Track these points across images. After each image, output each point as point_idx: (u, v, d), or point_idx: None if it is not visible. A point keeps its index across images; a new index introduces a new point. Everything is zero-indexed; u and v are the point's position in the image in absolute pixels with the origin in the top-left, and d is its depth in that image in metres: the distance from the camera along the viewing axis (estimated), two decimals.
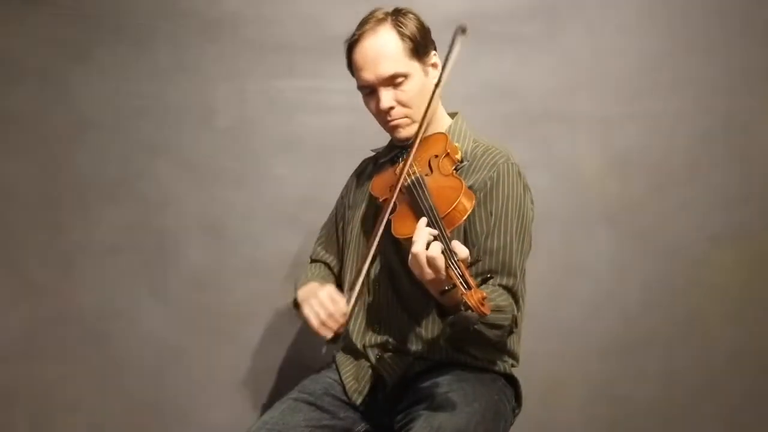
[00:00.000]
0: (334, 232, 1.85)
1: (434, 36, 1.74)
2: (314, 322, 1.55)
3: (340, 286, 1.80)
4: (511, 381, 1.70)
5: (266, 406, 1.69)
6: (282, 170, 2.27)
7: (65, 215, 2.25)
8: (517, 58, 2.26)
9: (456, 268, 1.31)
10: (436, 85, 1.58)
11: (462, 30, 1.53)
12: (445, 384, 1.57)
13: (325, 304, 1.55)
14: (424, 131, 1.63)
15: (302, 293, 1.67)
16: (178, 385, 2.24)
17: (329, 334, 1.54)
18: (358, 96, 1.68)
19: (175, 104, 2.26)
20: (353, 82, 1.64)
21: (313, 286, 1.67)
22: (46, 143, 2.25)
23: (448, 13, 2.25)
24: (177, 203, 2.27)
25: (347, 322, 1.57)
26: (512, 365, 1.71)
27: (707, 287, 2.29)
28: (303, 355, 2.24)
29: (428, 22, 2.20)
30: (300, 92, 2.26)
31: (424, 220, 1.41)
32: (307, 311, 1.57)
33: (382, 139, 1.83)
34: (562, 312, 2.27)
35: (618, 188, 2.28)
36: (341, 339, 1.58)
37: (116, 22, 2.25)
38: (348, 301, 1.56)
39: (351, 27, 1.70)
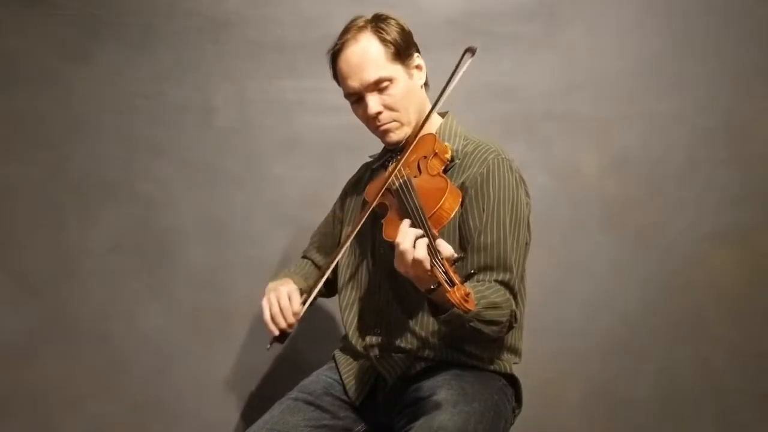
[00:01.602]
0: (329, 233, 1.86)
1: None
2: (265, 314, 1.60)
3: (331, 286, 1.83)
4: (512, 381, 1.69)
5: (266, 406, 1.69)
6: (282, 170, 2.28)
7: (65, 215, 2.25)
8: (517, 58, 2.26)
9: (440, 266, 1.32)
10: (435, 102, 1.58)
11: (471, 51, 1.53)
12: (445, 384, 1.56)
13: (282, 300, 1.59)
14: (413, 134, 1.64)
15: (271, 285, 1.70)
16: (178, 385, 2.24)
17: (274, 330, 1.58)
18: None
19: (175, 104, 2.27)
20: None
21: (284, 280, 1.70)
22: (46, 143, 2.25)
23: (448, 13, 2.27)
24: (177, 203, 2.27)
25: (294, 324, 1.60)
26: (514, 363, 1.71)
27: (706, 287, 2.29)
28: (302, 355, 2.24)
29: (429, 22, 2.21)
30: (300, 92, 2.26)
31: (407, 221, 1.42)
32: (264, 303, 1.61)
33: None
34: (562, 312, 2.27)
35: (617, 188, 2.28)
36: (286, 339, 1.61)
37: (116, 22, 2.25)
38: (303, 303, 1.60)
39: None
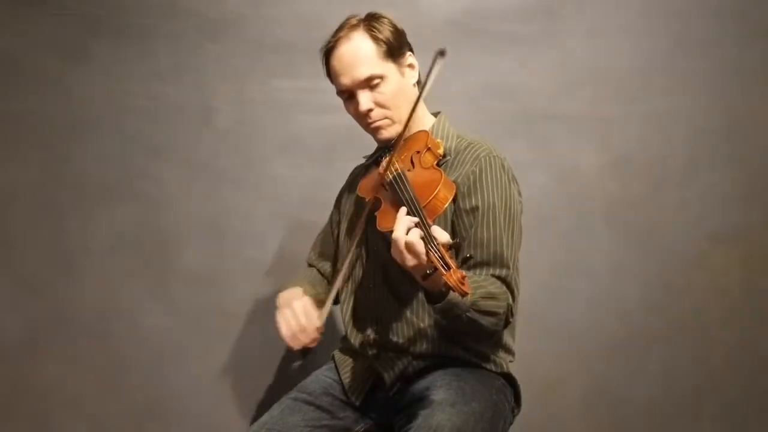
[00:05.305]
0: (329, 238, 1.87)
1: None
2: (285, 332, 1.58)
3: None
4: (510, 381, 1.70)
5: (266, 406, 1.69)
6: (282, 170, 2.28)
7: (65, 215, 2.25)
8: (517, 58, 2.26)
9: (436, 252, 1.33)
10: (417, 100, 1.59)
11: (441, 53, 1.51)
12: (444, 383, 1.57)
13: (299, 317, 1.57)
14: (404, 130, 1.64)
15: (282, 298, 1.67)
16: (178, 385, 2.24)
17: (297, 347, 1.57)
18: None
19: (175, 104, 2.27)
20: None
21: (294, 292, 1.68)
22: (46, 143, 2.25)
23: (449, 13, 2.27)
24: (177, 203, 2.27)
25: (318, 339, 1.58)
26: (510, 361, 1.71)
27: (706, 287, 2.28)
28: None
29: (429, 22, 2.21)
30: (299, 92, 2.26)
31: (404, 210, 1.43)
32: (280, 320, 1.59)
33: None
34: (562, 312, 2.27)
35: (617, 188, 2.28)
36: (311, 353, 1.59)
37: (116, 22, 2.25)
38: (320, 317, 1.58)
39: None
